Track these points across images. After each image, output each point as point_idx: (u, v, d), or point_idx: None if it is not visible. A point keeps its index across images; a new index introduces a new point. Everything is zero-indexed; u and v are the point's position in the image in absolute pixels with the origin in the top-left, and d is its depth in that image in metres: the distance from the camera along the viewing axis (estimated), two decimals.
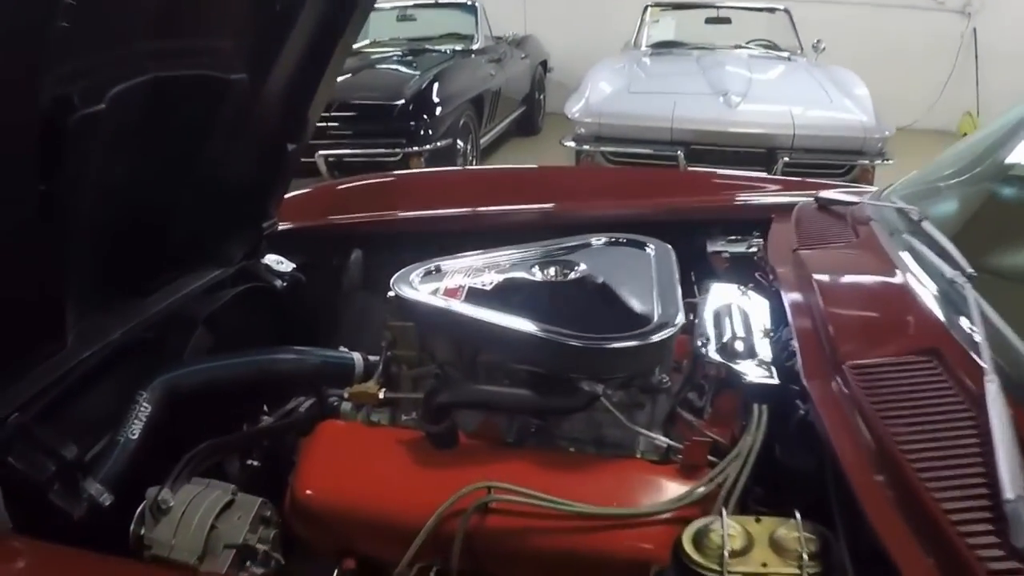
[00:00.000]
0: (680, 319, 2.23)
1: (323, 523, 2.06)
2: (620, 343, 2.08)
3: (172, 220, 2.52)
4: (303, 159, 2.98)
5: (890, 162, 7.16)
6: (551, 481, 1.95)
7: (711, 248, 3.05)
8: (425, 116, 8.15)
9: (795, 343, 2.10)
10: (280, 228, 3.08)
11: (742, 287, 2.58)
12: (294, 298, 2.97)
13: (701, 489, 1.89)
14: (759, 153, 7.37)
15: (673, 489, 1.95)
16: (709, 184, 3.82)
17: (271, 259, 3.00)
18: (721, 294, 2.54)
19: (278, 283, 2.94)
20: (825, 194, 2.99)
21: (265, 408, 2.59)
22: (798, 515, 1.73)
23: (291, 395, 2.58)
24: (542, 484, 1.92)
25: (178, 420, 2.28)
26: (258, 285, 2.86)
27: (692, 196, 3.49)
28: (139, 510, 2.03)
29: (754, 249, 2.98)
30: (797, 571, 1.66)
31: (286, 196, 3.07)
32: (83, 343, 2.26)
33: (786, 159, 7.20)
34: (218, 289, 2.81)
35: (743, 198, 3.44)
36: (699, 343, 2.30)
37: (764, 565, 1.68)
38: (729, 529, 1.73)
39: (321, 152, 7.87)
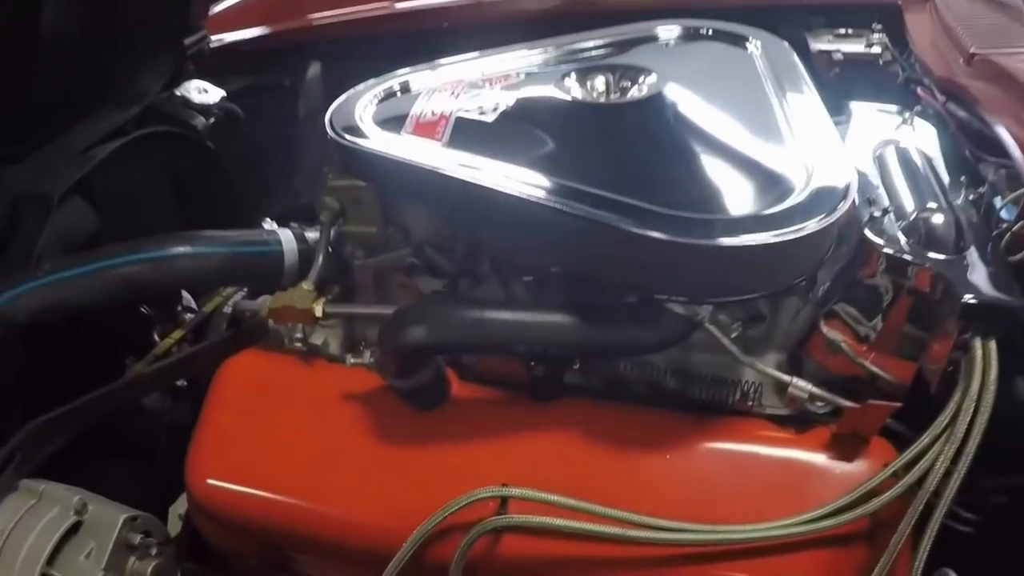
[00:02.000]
0: (851, 179, 1.24)
1: (236, 529, 1.36)
2: (758, 234, 1.15)
3: (50, 46, 1.70)
4: None
5: None
6: (610, 471, 1.27)
7: (815, 46, 2.12)
8: None
9: None
10: (212, 44, 2.22)
11: (903, 110, 1.63)
12: (226, 142, 2.02)
13: (887, 493, 1.16)
14: None
15: (828, 484, 1.22)
16: None
17: (193, 87, 2.03)
18: (872, 123, 1.59)
19: (199, 122, 1.96)
20: None
21: (156, 338, 1.68)
22: None
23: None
24: (594, 478, 1.26)
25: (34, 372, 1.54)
26: (160, 130, 1.87)
27: None
28: None
29: (877, 49, 2.05)
30: None
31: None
32: None
33: None
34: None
35: None
36: (869, 214, 1.28)
37: None
38: None
39: None
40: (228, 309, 1.69)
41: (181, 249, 1.47)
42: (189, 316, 1.78)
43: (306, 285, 1.40)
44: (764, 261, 1.17)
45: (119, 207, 1.77)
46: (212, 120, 1.99)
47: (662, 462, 1.26)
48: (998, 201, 1.38)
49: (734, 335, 1.24)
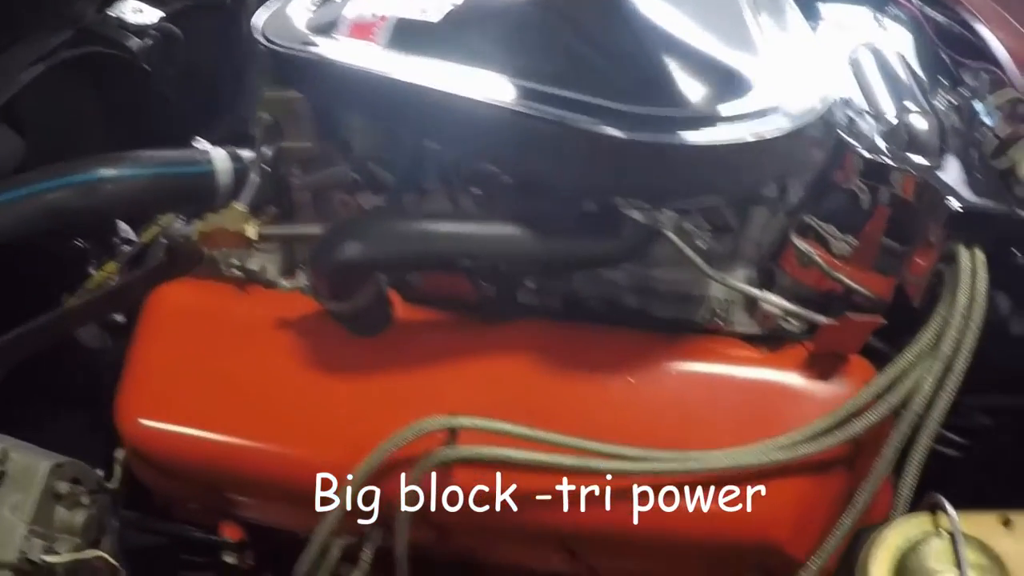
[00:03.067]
0: (826, 80, 1.14)
1: (173, 472, 1.25)
2: (730, 129, 1.06)
3: None
4: None
5: None
6: (569, 396, 1.16)
7: None
8: None
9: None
10: None
11: (876, 13, 1.51)
12: (163, 65, 1.82)
13: (869, 414, 1.07)
14: None
15: (804, 406, 1.12)
16: None
17: (128, 8, 1.84)
18: (845, 25, 1.46)
19: (134, 43, 1.78)
20: None
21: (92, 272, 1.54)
22: None
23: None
24: (552, 404, 1.15)
25: None
26: (92, 51, 1.71)
27: None
28: None
29: None
30: None
31: None
32: None
33: None
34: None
35: None
36: (845, 117, 1.17)
37: None
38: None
39: None
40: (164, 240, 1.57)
41: (105, 172, 1.34)
42: (126, 248, 1.66)
43: (238, 206, 1.26)
44: (728, 162, 1.06)
45: (48, 134, 1.62)
46: (148, 42, 1.83)
47: (626, 385, 1.15)
48: (979, 106, 1.28)
49: (700, 247, 1.13)
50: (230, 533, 1.26)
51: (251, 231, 1.23)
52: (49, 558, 1.12)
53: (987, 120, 1.25)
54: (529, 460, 1.07)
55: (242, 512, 1.26)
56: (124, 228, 1.68)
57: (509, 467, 1.09)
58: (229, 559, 1.27)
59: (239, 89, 2.01)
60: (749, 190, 1.14)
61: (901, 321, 1.14)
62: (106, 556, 1.18)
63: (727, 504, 1.07)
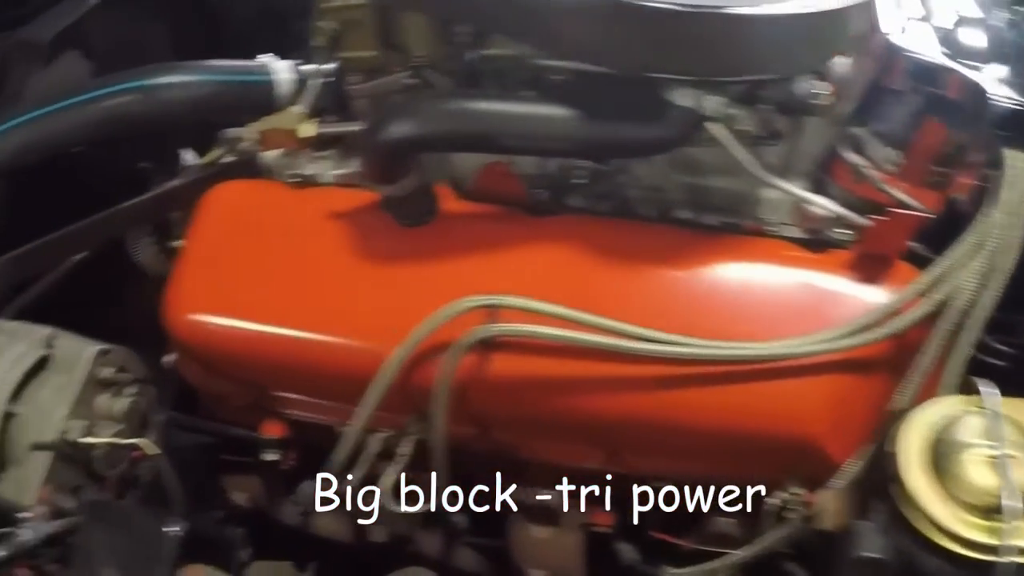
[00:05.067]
0: None
1: (221, 367, 1.23)
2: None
3: None
4: None
5: None
6: (614, 286, 1.14)
7: None
8: None
9: None
10: None
11: None
12: None
13: (912, 311, 1.05)
14: None
15: (849, 306, 1.09)
16: None
17: None
18: None
19: None
20: None
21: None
22: None
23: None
24: (597, 293, 1.12)
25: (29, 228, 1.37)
26: None
27: None
28: None
29: None
30: None
31: None
32: None
33: None
34: None
35: None
36: (898, 21, 1.13)
37: None
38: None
39: None
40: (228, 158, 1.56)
41: (167, 79, 1.33)
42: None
43: (296, 109, 1.27)
44: (779, 36, 1.02)
45: (115, 60, 1.62)
46: None
47: (672, 278, 1.13)
48: None
49: (747, 133, 1.09)
50: (272, 430, 1.25)
51: (307, 130, 1.22)
52: (88, 439, 1.11)
53: None
54: (567, 338, 1.05)
55: (287, 408, 1.25)
56: (188, 156, 1.67)
57: (547, 351, 1.08)
58: (271, 456, 1.25)
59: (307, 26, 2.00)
60: (799, 70, 1.08)
61: (949, 235, 1.10)
62: (147, 442, 1.17)
63: (765, 396, 1.05)
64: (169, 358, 1.31)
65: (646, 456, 1.18)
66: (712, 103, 1.06)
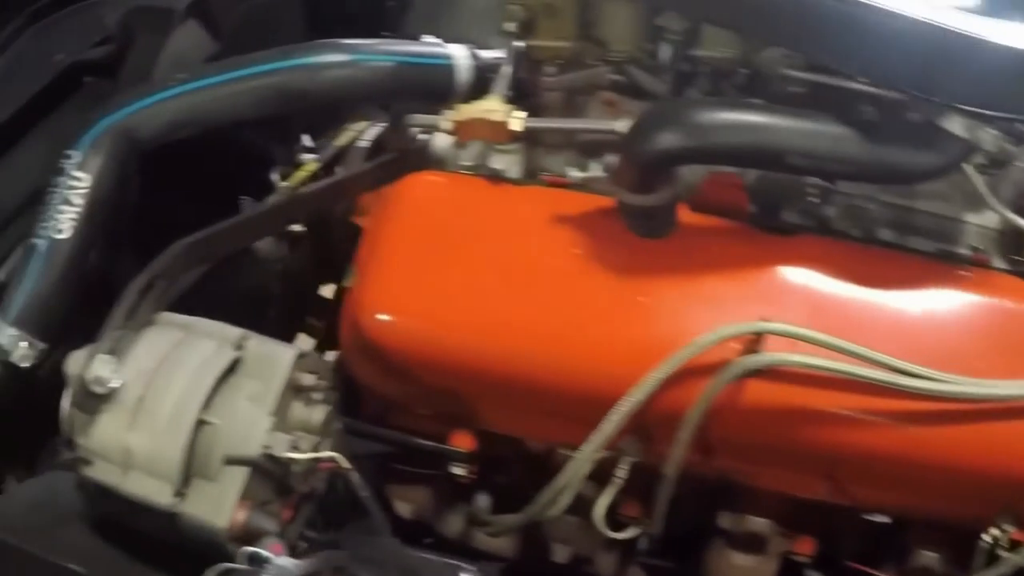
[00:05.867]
0: None
1: (414, 374, 1.12)
2: None
3: None
4: None
5: None
6: (863, 314, 1.06)
7: None
8: None
9: None
10: None
11: None
12: None
13: None
14: None
15: None
16: None
17: None
18: None
19: None
20: None
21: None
22: None
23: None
24: (848, 321, 1.04)
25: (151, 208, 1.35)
26: None
27: None
28: (64, 396, 1.03)
29: None
30: None
31: None
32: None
33: None
34: None
35: None
36: None
37: None
38: None
39: None
40: (364, 143, 1.46)
41: (340, 57, 1.23)
42: (308, 155, 1.54)
43: (495, 97, 1.17)
44: None
45: (240, 34, 1.51)
46: None
47: (919, 310, 1.07)
48: None
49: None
50: (463, 442, 1.15)
51: (516, 123, 1.13)
52: (293, 455, 1.00)
53: None
54: (839, 372, 0.98)
55: (482, 420, 1.15)
56: (305, 138, 1.59)
57: (805, 380, 1.01)
58: (458, 470, 1.16)
59: (404, 6, 1.90)
60: None
61: None
62: (341, 457, 1.06)
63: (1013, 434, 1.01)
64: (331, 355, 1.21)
65: (873, 489, 1.12)
66: (988, 136, 1.00)
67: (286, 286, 1.51)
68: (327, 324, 1.61)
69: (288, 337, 1.53)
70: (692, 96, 1.19)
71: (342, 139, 1.48)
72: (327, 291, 1.63)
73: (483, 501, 1.23)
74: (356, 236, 1.42)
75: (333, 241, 1.46)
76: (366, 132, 1.47)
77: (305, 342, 1.49)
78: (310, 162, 1.44)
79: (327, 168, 1.46)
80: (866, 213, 1.15)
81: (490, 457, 1.19)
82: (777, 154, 1.02)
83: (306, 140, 1.57)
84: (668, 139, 1.01)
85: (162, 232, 1.34)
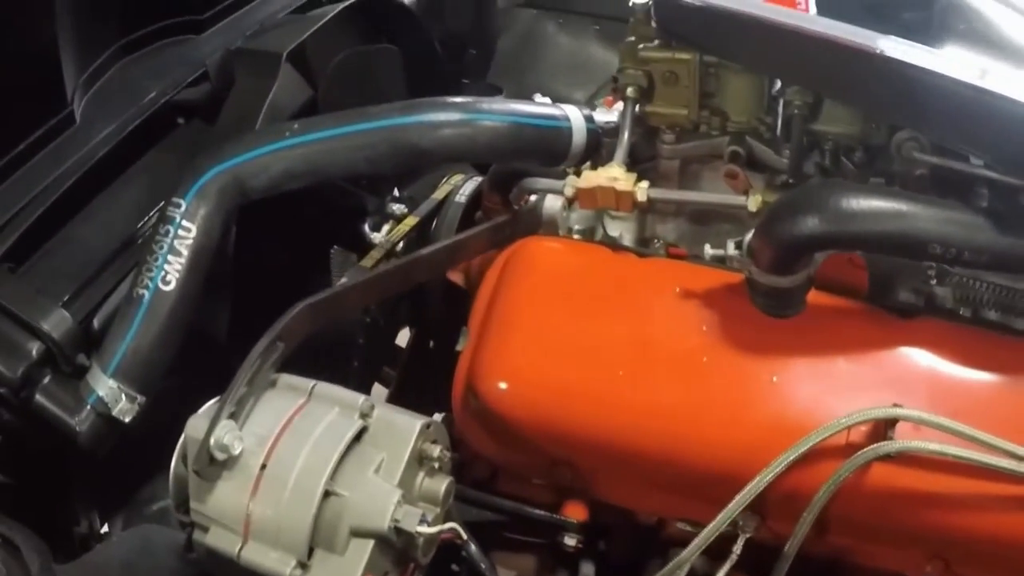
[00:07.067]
0: None
1: (532, 442, 1.09)
2: None
3: None
4: None
5: None
6: (991, 401, 1.03)
7: None
8: None
9: None
10: None
11: None
12: (430, 22, 1.69)
13: None
14: None
15: None
16: None
17: None
18: None
19: None
20: None
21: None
22: None
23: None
24: (975, 408, 1.00)
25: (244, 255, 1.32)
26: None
27: None
28: (175, 458, 1.03)
29: None
30: None
31: None
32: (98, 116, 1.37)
33: None
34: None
35: None
36: None
37: None
38: None
39: None
40: (461, 198, 1.43)
41: (458, 116, 1.21)
42: (397, 207, 1.52)
43: (618, 165, 1.14)
44: None
45: (335, 83, 1.50)
46: None
47: None
48: None
49: None
50: (576, 513, 1.13)
51: (641, 193, 1.10)
52: (422, 529, 0.97)
53: None
54: (972, 461, 0.95)
55: (596, 491, 1.13)
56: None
57: (932, 466, 0.97)
58: (570, 540, 1.13)
59: (486, 56, 1.89)
60: None
61: None
62: (460, 530, 1.03)
63: None
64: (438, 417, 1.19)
65: (980, 570, 1.07)
66: None
67: (371, 337, 1.49)
68: (401, 373, 1.60)
69: (367, 386, 1.51)
70: (813, 173, 1.16)
71: (439, 193, 1.46)
72: (401, 340, 1.62)
73: (588, 570, 1.19)
74: (449, 293, 1.40)
75: (426, 299, 1.44)
76: (463, 187, 1.45)
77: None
78: (408, 216, 1.42)
79: (425, 222, 1.44)
80: (975, 293, 1.12)
81: (597, 525, 1.16)
82: (921, 243, 0.99)
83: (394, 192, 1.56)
84: (812, 224, 0.98)
85: (253, 280, 1.32)
